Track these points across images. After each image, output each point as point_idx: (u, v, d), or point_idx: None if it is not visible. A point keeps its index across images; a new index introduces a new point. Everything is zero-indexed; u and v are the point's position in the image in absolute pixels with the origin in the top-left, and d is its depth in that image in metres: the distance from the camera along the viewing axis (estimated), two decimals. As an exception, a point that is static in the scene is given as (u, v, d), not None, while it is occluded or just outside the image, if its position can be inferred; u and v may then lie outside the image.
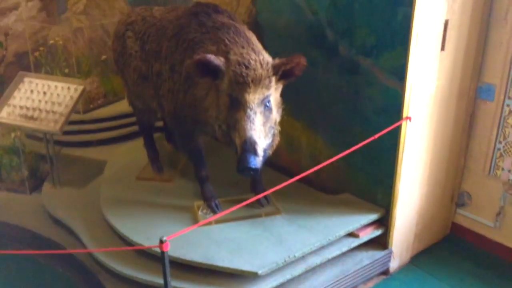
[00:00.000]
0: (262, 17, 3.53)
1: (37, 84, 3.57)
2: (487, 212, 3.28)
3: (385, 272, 3.09)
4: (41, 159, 4.05)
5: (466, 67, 3.02)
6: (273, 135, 2.52)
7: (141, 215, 3.02)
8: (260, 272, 2.47)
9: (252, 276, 2.50)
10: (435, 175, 3.16)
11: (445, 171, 3.25)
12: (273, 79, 2.40)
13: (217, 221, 2.93)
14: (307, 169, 3.41)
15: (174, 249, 2.62)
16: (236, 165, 2.27)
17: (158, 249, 2.05)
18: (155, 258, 2.70)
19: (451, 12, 2.73)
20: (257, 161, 2.25)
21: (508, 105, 3.00)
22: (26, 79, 3.61)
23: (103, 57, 4.64)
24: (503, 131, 3.06)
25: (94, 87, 4.51)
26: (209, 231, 2.84)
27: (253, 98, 2.32)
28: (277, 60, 2.42)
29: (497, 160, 3.13)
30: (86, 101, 4.42)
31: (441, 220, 3.41)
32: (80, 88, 3.48)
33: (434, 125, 3.01)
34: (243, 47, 2.43)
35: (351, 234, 2.92)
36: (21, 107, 3.49)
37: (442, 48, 2.78)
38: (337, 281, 2.81)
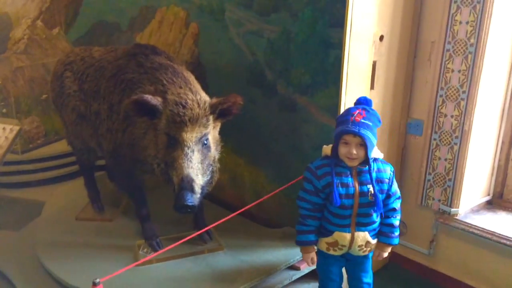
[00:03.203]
0: (204, 57, 3.63)
1: (-29, 125, 3.49)
2: (421, 240, 3.43)
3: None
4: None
5: (396, 104, 3.22)
6: (212, 172, 2.57)
7: (79, 257, 2.94)
8: (200, 312, 2.46)
9: (193, 315, 2.48)
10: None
11: (381, 202, 3.39)
12: (211, 118, 2.47)
13: (159, 260, 2.90)
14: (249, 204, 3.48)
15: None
16: (174, 202, 2.29)
17: (93, 292, 2.01)
18: (94, 301, 2.62)
19: (378, 54, 2.93)
20: (194, 199, 2.28)
21: (435, 139, 3.20)
22: (-39, 120, 3.51)
23: (44, 96, 4.58)
24: (432, 163, 3.25)
25: (33, 127, 4.42)
26: (150, 271, 2.80)
27: (191, 136, 2.37)
28: (214, 100, 2.50)
29: (428, 191, 3.31)
30: (25, 141, 4.32)
31: (379, 250, 3.53)
32: (16, 128, 3.42)
33: (369, 159, 3.16)
34: (180, 87, 2.50)
35: (292, 267, 2.96)
36: (-46, 149, 3.38)
37: (372, 87, 2.96)
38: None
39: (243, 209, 2.65)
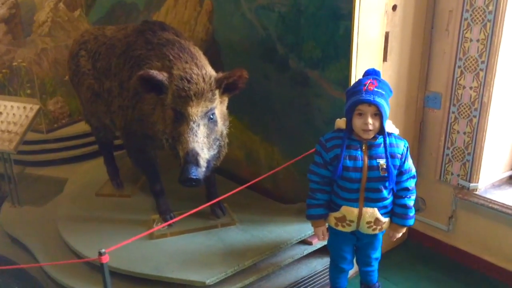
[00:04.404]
0: (218, 34, 3.62)
1: (-6, 105, 3.62)
2: (440, 216, 3.36)
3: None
4: (3, 178, 4.06)
5: (412, 77, 3.13)
6: (219, 146, 2.57)
7: (96, 230, 3.04)
8: (207, 281, 2.50)
9: (201, 286, 2.52)
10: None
11: (398, 178, 3.33)
12: (217, 92, 2.47)
13: (173, 233, 2.97)
14: (265, 181, 3.49)
15: (125, 263, 2.67)
16: (179, 175, 2.32)
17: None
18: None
19: (391, 25, 2.84)
20: (199, 172, 2.30)
21: (453, 112, 3.10)
22: (-17, 100, 3.65)
23: (67, 77, 4.69)
24: (450, 137, 3.16)
25: (58, 107, 4.54)
26: (163, 244, 2.87)
27: (196, 111, 2.38)
28: (220, 74, 2.50)
29: (447, 166, 3.23)
30: (50, 121, 4.45)
31: (396, 227, 3.48)
32: (36, 107, 3.51)
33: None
34: (186, 62, 2.50)
35: (305, 242, 2.97)
36: (-22, 129, 3.52)
37: (385, 59, 2.88)
38: (291, 287, 2.86)
39: (250, 183, 2.67)
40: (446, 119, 3.15)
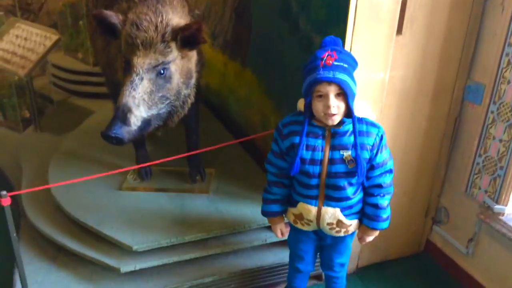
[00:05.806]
0: (250, -19, 3.26)
1: (23, 30, 3.71)
2: (460, 235, 2.77)
3: (318, 277, 2.76)
4: (49, 102, 4.28)
5: (447, 60, 2.49)
6: (172, 106, 2.29)
7: (78, 172, 2.97)
8: (135, 247, 2.34)
9: (128, 250, 2.37)
10: (400, 183, 2.68)
11: (415, 180, 2.76)
12: (172, 45, 2.17)
13: (145, 189, 2.86)
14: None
15: (80, 208, 2.63)
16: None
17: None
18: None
19: (415, -13, 2.23)
20: (123, 131, 2.06)
21: (492, 112, 2.42)
22: (18, 25, 3.77)
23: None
24: (485, 142, 2.50)
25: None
26: (125, 197, 2.77)
27: (142, 62, 2.12)
28: (180, 25, 2.19)
29: (475, 177, 2.58)
30: (101, 54, 4.51)
31: (407, 234, 2.94)
32: (55, 37, 3.54)
33: (398, 124, 2.55)
34: (147, 7, 2.22)
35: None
36: (3, 50, 3.67)
37: (399, 32, 2.29)
38: (249, 274, 2.57)
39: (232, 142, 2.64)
40: (483, 119, 2.48)
